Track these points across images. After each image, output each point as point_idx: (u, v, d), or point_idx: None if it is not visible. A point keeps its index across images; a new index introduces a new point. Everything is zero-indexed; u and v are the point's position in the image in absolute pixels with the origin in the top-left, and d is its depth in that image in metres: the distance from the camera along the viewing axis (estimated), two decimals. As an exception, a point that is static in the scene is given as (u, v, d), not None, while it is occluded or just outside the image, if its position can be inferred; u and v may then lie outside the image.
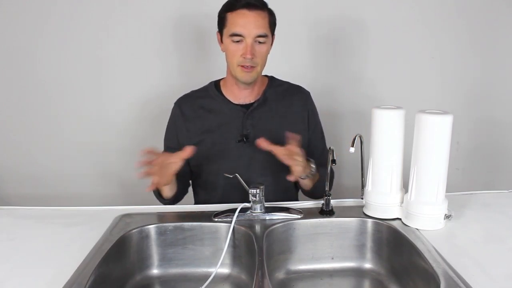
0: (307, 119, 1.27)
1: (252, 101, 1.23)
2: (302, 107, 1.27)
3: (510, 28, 1.70)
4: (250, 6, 1.08)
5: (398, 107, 1.00)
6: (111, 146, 1.76)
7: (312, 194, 1.26)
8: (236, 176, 1.06)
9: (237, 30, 1.08)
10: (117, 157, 1.76)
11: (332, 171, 1.23)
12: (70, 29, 1.62)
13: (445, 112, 0.94)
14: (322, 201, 1.07)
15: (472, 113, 1.78)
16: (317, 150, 1.28)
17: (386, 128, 0.99)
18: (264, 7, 1.11)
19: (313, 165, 1.13)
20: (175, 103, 1.28)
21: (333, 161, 1.02)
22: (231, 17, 1.10)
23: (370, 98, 1.72)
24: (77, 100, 1.71)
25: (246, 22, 1.08)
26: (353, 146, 1.02)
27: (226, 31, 1.12)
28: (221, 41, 1.16)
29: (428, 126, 0.93)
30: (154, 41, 1.65)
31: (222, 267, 1.01)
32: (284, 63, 1.68)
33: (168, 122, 1.29)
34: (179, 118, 1.25)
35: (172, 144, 1.26)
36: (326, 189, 1.06)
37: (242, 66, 1.12)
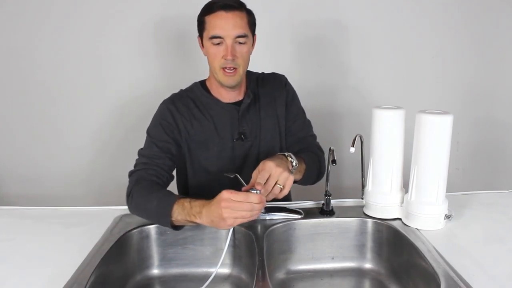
0: (285, 100, 1.25)
1: (240, 99, 1.22)
2: (280, 90, 1.25)
3: (510, 28, 1.70)
4: (227, 7, 1.07)
5: (398, 107, 1.00)
6: (111, 146, 1.76)
7: (304, 183, 1.20)
8: (236, 176, 1.06)
9: (216, 32, 1.08)
10: (117, 157, 1.76)
11: (318, 155, 1.19)
12: (70, 29, 1.63)
13: (445, 112, 0.94)
14: (322, 201, 1.07)
15: (472, 113, 1.78)
16: (298, 131, 1.25)
17: (386, 128, 0.99)
18: (241, 7, 1.10)
19: (292, 160, 1.04)
20: (168, 101, 1.22)
21: (333, 161, 1.02)
22: (209, 20, 1.09)
23: (370, 98, 1.72)
24: (76, 100, 1.71)
25: (224, 23, 1.07)
26: (353, 146, 1.02)
27: (206, 35, 1.11)
28: (202, 45, 1.15)
29: (428, 126, 0.93)
30: (154, 42, 1.65)
31: (222, 267, 1.01)
32: (285, 64, 1.68)
33: (159, 119, 1.20)
34: (176, 114, 1.18)
35: (165, 139, 1.16)
36: (326, 189, 1.06)
37: (224, 68, 1.11)
